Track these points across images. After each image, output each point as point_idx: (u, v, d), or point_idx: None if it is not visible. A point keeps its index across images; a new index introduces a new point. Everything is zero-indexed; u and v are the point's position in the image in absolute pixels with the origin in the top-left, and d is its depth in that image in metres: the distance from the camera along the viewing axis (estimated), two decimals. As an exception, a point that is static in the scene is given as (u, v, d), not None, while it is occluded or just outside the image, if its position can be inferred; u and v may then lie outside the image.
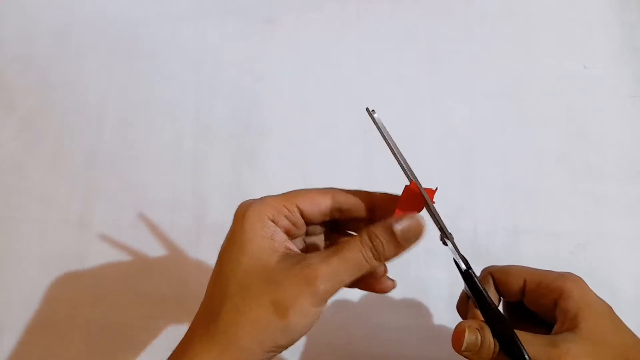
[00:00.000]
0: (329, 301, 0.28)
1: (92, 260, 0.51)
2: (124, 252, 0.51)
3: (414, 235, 0.28)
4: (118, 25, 0.60)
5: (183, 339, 0.29)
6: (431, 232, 0.31)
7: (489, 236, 0.49)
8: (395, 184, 0.31)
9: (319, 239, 0.34)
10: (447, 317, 0.46)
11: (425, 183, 0.30)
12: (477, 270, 0.36)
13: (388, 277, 0.32)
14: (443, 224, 0.30)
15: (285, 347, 0.28)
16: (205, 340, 0.27)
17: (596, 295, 0.32)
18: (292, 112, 0.55)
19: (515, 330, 0.29)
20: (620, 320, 0.31)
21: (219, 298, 0.28)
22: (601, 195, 0.50)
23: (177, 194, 0.53)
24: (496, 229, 0.49)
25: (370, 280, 0.31)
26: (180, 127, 0.55)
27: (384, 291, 0.32)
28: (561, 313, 0.31)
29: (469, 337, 0.29)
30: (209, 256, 0.50)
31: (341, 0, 0.59)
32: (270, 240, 0.28)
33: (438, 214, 0.30)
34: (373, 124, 0.29)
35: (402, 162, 0.29)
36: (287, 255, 0.28)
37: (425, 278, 0.48)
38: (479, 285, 0.30)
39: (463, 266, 0.31)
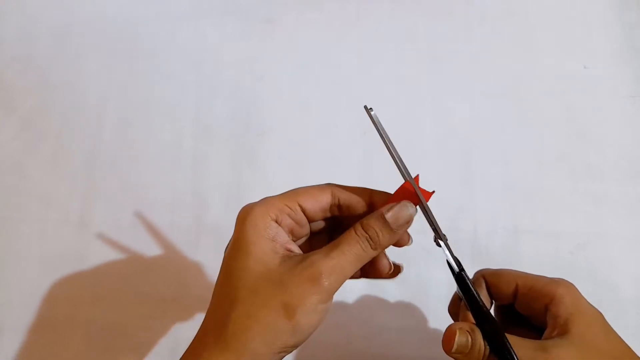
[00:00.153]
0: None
1: (92, 260, 0.51)
2: (123, 252, 0.51)
3: (405, 219, 0.29)
4: (118, 25, 0.60)
5: (192, 345, 0.29)
6: (429, 233, 0.31)
7: (489, 236, 0.49)
8: (395, 184, 0.31)
9: (322, 237, 0.34)
10: (446, 317, 0.46)
11: (425, 183, 0.30)
12: (471, 271, 0.36)
13: (392, 262, 0.32)
14: (437, 224, 0.30)
15: (295, 347, 0.28)
16: (217, 347, 0.27)
17: (587, 302, 0.32)
18: (292, 112, 0.55)
19: (506, 334, 0.29)
20: (611, 327, 0.31)
21: (228, 304, 0.28)
22: (601, 195, 0.50)
23: (177, 194, 0.53)
24: (496, 229, 0.49)
25: (374, 268, 0.32)
26: (180, 127, 0.55)
27: (391, 276, 0.32)
28: (552, 318, 0.31)
29: (459, 339, 0.29)
30: (209, 256, 0.50)
31: (341, 0, 0.59)
32: (272, 242, 0.28)
33: (432, 215, 0.30)
34: (371, 121, 0.29)
35: (398, 161, 0.30)
36: (288, 257, 0.28)
37: (425, 278, 0.48)
38: (472, 287, 0.30)
39: (456, 268, 0.31)
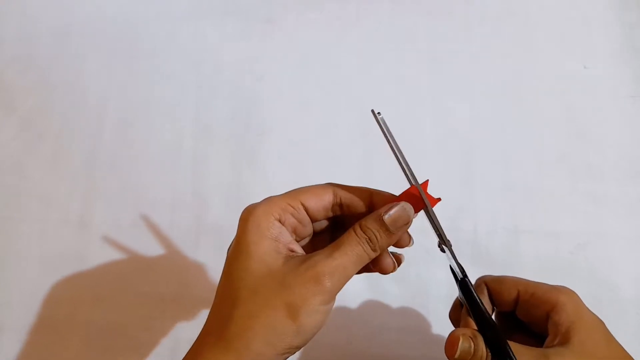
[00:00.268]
0: (329, 301, 0.28)
1: (92, 260, 0.51)
2: (124, 252, 0.51)
3: (403, 221, 0.29)
4: (118, 25, 0.60)
5: (194, 345, 0.29)
6: (432, 233, 0.31)
7: (489, 236, 0.49)
8: (395, 185, 0.31)
9: (324, 236, 0.34)
10: (447, 317, 0.46)
11: (426, 179, 0.30)
12: (471, 272, 0.36)
13: (390, 255, 0.32)
14: (442, 230, 0.30)
15: (299, 348, 0.28)
16: (219, 347, 0.27)
17: (589, 310, 0.32)
18: (292, 112, 0.55)
19: (508, 341, 0.29)
20: (612, 335, 0.31)
21: (230, 304, 0.28)
22: (601, 195, 0.50)
23: (177, 194, 0.53)
24: (496, 229, 0.49)
25: (377, 266, 0.31)
26: (180, 127, 0.55)
27: (389, 269, 0.32)
28: (553, 326, 0.31)
29: (462, 345, 0.29)
30: (209, 256, 0.50)
31: (341, 0, 0.59)
32: (275, 242, 0.29)
33: (438, 221, 0.30)
34: (378, 126, 0.29)
35: (405, 166, 0.29)
36: (290, 257, 0.28)
37: (425, 278, 0.48)
38: (475, 294, 0.30)
39: (459, 274, 0.31)
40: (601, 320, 0.32)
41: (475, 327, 0.30)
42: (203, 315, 0.48)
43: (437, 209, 0.30)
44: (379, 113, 0.29)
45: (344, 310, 0.48)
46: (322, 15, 0.59)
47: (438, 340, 0.46)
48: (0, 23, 0.61)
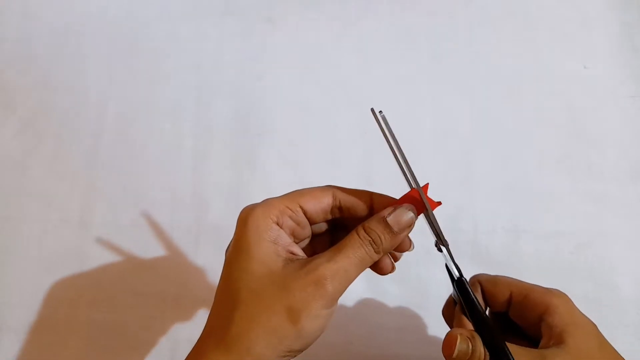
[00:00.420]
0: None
1: (92, 260, 0.51)
2: (124, 252, 0.51)
3: (406, 223, 0.29)
4: (118, 25, 0.60)
5: (195, 348, 0.29)
6: (430, 234, 0.31)
7: (489, 236, 0.49)
8: (395, 185, 0.31)
9: (324, 239, 0.34)
10: (447, 317, 0.47)
11: (424, 182, 0.30)
12: (471, 272, 0.36)
13: (389, 256, 0.32)
14: (440, 231, 0.30)
15: (301, 351, 0.28)
16: (219, 349, 0.27)
17: (581, 313, 0.32)
18: (292, 112, 0.55)
19: (506, 343, 0.29)
20: (605, 338, 0.31)
21: (230, 306, 0.28)
22: (601, 195, 0.50)
23: (177, 194, 0.53)
24: (496, 229, 0.49)
25: (377, 267, 0.31)
26: (180, 127, 0.55)
27: (388, 269, 0.32)
28: (547, 328, 0.31)
29: (460, 345, 0.29)
30: (209, 256, 0.50)
31: (341, 0, 0.59)
32: (274, 244, 0.28)
33: (437, 223, 0.30)
34: (378, 126, 0.29)
35: (405, 168, 0.29)
36: (291, 260, 0.28)
37: (425, 278, 0.48)
38: (472, 294, 0.30)
39: (456, 274, 0.31)
40: (594, 324, 0.32)
41: (471, 327, 0.30)
42: (203, 315, 0.48)
43: (437, 208, 0.30)
44: (380, 112, 0.28)
45: (343, 310, 0.48)
46: (322, 15, 0.59)
47: (437, 340, 0.46)
48: (0, 23, 0.61)
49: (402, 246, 0.31)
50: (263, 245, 0.28)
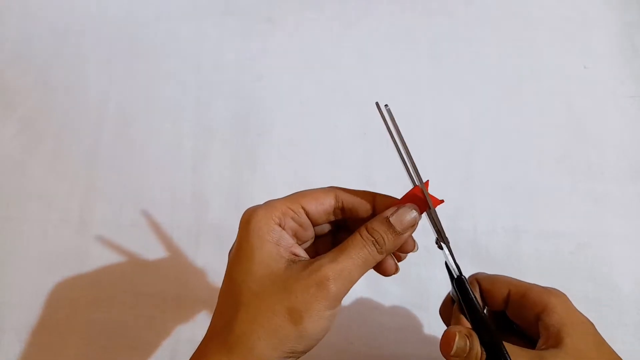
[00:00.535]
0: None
1: (92, 260, 0.51)
2: (124, 252, 0.51)
3: (409, 223, 0.29)
4: (118, 25, 0.60)
5: (198, 349, 0.29)
6: (431, 233, 0.31)
7: (489, 236, 0.49)
8: (395, 185, 0.31)
9: (326, 240, 0.34)
10: (447, 317, 0.47)
11: (426, 179, 0.30)
12: (470, 272, 0.36)
13: (393, 257, 0.32)
14: (442, 229, 0.30)
15: (304, 352, 0.28)
16: (221, 350, 0.27)
17: (579, 312, 0.32)
18: (292, 112, 0.55)
19: (503, 342, 0.29)
20: (602, 338, 0.31)
21: (233, 307, 0.28)
22: (601, 195, 0.50)
23: (177, 194, 0.53)
24: (496, 229, 0.49)
25: (380, 268, 0.31)
26: (180, 127, 0.55)
27: (392, 271, 0.32)
28: (544, 328, 0.31)
29: (458, 342, 0.29)
30: (209, 256, 0.50)
31: (341, 0, 0.59)
32: (277, 245, 0.28)
33: (439, 221, 0.30)
34: (383, 120, 0.28)
35: (409, 164, 0.29)
36: (294, 261, 0.28)
37: (425, 278, 0.48)
38: (471, 293, 0.30)
39: (456, 272, 0.31)
40: (591, 323, 0.32)
41: (469, 326, 0.30)
42: (203, 315, 0.48)
43: (437, 208, 0.30)
44: (385, 105, 0.28)
45: (344, 310, 0.48)
46: (322, 15, 0.59)
47: (437, 340, 0.46)
48: (0, 23, 0.61)
49: (406, 247, 0.30)
50: (265, 247, 0.28)
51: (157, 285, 0.50)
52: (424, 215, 0.30)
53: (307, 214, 0.30)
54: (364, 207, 0.31)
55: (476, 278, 0.35)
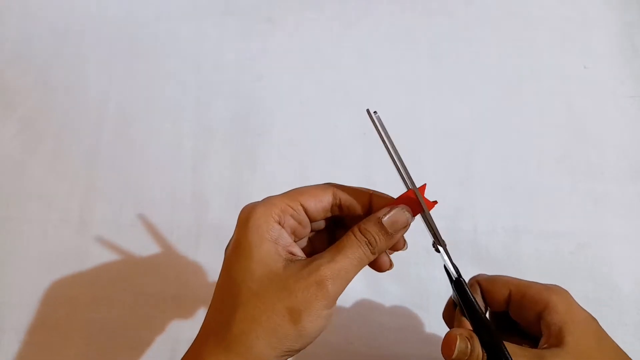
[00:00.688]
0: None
1: (92, 260, 0.51)
2: (123, 252, 0.51)
3: (401, 224, 0.29)
4: (118, 25, 0.60)
5: (193, 346, 0.29)
6: (428, 234, 0.31)
7: (489, 236, 0.49)
8: (395, 185, 0.31)
9: (322, 236, 0.34)
10: (447, 317, 0.47)
11: (424, 182, 0.30)
12: (471, 272, 0.36)
13: (387, 254, 0.32)
14: (437, 231, 0.30)
15: (299, 351, 0.28)
16: (218, 348, 0.27)
17: (581, 308, 0.32)
18: (292, 112, 0.55)
19: (504, 342, 0.29)
20: (605, 332, 0.31)
21: (231, 306, 0.28)
22: (601, 195, 0.50)
23: (177, 194, 0.53)
24: (496, 229, 0.49)
25: (375, 265, 0.32)
26: (180, 127, 0.55)
27: (386, 267, 0.32)
28: (546, 326, 0.31)
29: (459, 345, 0.29)
30: (209, 256, 0.50)
31: (341, 0, 0.59)
32: (275, 244, 0.28)
33: (434, 223, 0.30)
34: (374, 127, 0.29)
35: (402, 170, 0.29)
36: (292, 260, 0.28)
37: (425, 278, 0.48)
38: (470, 294, 0.30)
39: (454, 274, 0.31)
40: (594, 318, 0.31)
41: (471, 328, 0.30)
42: (203, 315, 0.48)
43: (436, 208, 0.30)
44: (374, 112, 0.28)
45: (343, 310, 0.48)
46: (322, 15, 0.59)
47: (437, 340, 0.46)
48: (0, 23, 0.61)
49: (396, 246, 0.31)
50: (264, 246, 0.28)
51: (157, 285, 0.50)
52: (421, 218, 0.30)
53: (306, 211, 0.30)
54: (360, 204, 0.31)
55: (477, 280, 0.35)
